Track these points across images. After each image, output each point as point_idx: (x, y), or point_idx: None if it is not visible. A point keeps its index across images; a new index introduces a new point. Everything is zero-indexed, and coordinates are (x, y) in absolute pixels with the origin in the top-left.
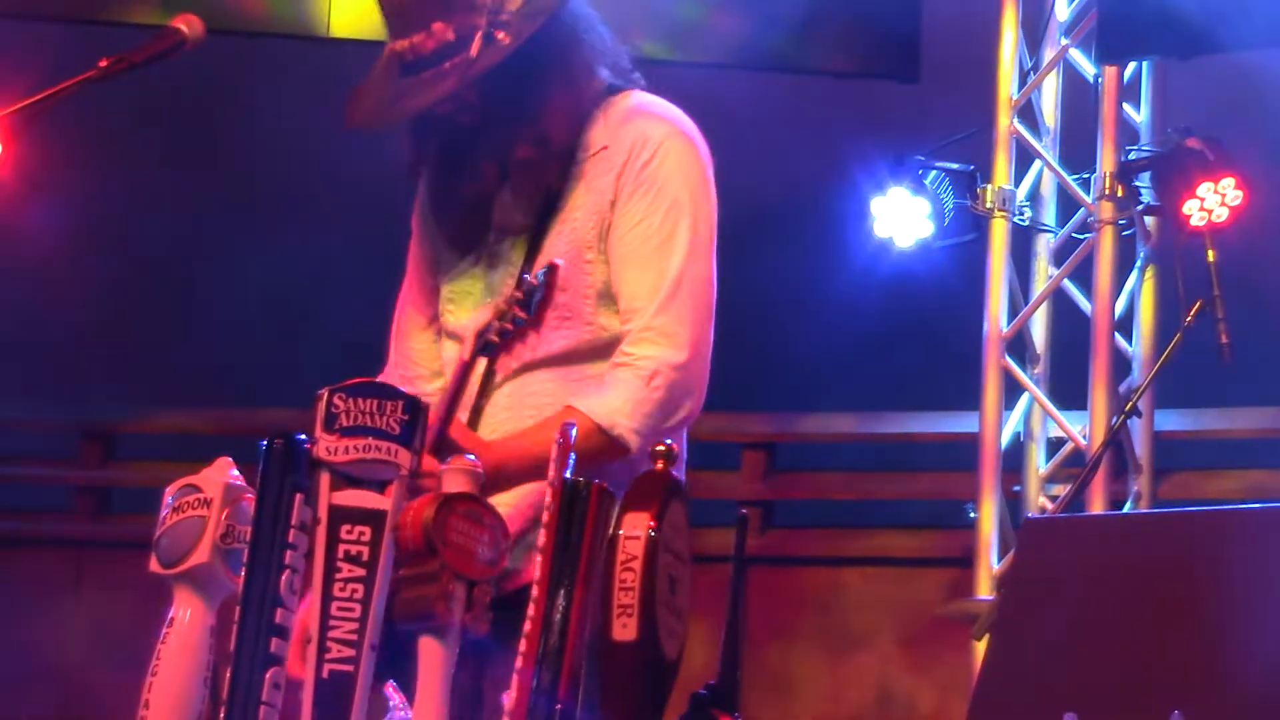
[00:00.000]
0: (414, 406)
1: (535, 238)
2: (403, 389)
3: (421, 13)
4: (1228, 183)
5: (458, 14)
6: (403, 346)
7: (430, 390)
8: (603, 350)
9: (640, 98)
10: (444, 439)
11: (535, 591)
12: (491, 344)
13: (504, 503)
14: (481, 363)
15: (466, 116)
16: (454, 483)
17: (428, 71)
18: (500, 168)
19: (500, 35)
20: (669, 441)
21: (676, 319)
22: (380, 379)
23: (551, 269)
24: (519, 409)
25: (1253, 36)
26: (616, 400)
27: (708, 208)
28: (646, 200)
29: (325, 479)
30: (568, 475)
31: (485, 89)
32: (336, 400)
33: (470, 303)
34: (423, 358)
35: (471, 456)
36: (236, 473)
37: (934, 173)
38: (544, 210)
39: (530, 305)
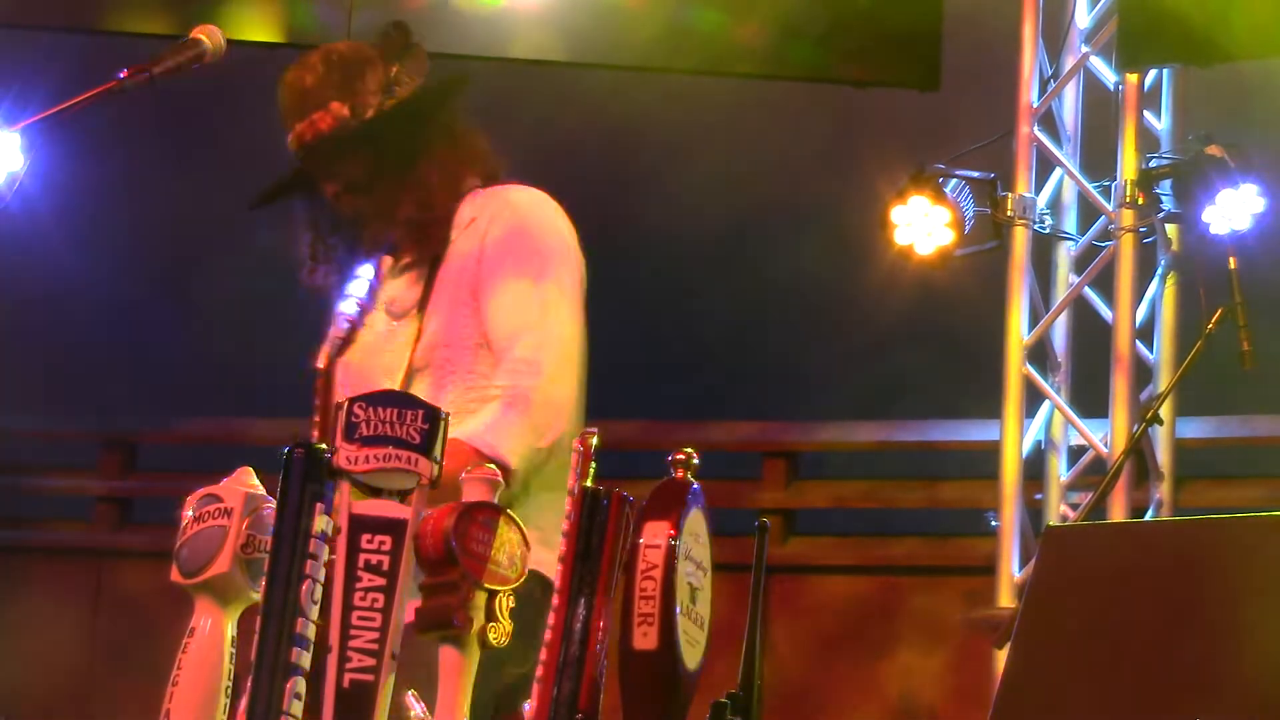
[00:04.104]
0: (433, 415)
1: (419, 309)
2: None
3: (320, 95)
4: (1249, 189)
5: (356, 95)
6: None
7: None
8: (483, 398)
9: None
10: None
11: (555, 600)
12: None
13: None
14: None
15: (350, 200)
16: (474, 492)
17: (323, 143)
18: (389, 227)
19: (389, 103)
20: (688, 450)
21: (534, 348)
22: None
23: None
24: None
25: (1272, 44)
26: (481, 425)
27: (571, 259)
28: (511, 250)
29: (345, 488)
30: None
31: (368, 153)
32: (356, 409)
33: (354, 374)
34: None
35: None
36: (257, 482)
37: (954, 181)
38: (426, 284)
39: None
